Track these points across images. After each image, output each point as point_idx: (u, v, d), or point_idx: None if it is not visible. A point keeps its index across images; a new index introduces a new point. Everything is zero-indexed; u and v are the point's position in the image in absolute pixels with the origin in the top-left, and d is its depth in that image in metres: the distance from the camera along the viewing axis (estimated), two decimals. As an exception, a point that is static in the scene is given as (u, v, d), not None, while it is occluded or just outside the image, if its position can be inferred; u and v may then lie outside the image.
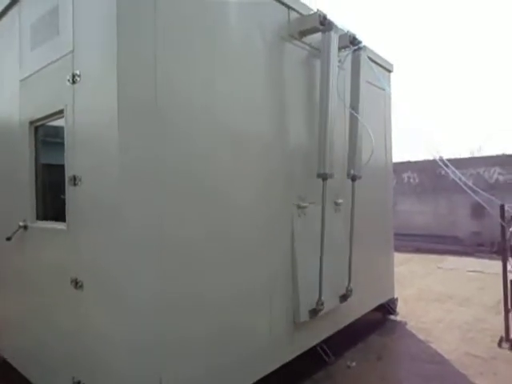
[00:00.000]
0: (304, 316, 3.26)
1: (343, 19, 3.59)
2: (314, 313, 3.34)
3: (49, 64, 2.65)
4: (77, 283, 2.38)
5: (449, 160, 4.54)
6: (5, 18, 3.27)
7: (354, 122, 3.74)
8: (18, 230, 2.99)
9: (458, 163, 9.94)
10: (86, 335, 2.36)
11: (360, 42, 3.73)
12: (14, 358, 3.21)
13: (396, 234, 5.46)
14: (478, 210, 9.63)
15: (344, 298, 3.77)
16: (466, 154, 13.10)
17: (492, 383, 3.34)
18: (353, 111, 3.69)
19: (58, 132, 3.00)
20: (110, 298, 2.22)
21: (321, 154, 3.30)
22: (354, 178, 3.73)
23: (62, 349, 2.57)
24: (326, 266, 3.33)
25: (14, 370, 3.19)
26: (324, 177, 3.30)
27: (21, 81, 3.00)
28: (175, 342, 2.34)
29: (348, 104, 3.76)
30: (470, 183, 4.68)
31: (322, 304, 3.34)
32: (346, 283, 3.77)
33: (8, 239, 3.01)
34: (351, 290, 3.78)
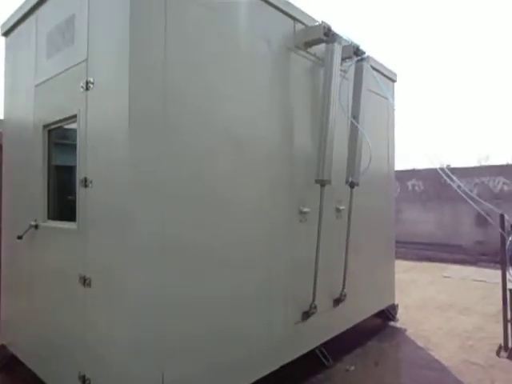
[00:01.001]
0: (296, 318, 3.38)
1: (348, 29, 3.69)
2: (306, 315, 3.45)
3: (63, 71, 2.77)
4: (85, 280, 2.48)
5: (454, 169, 4.62)
6: (22, 25, 3.41)
7: (354, 130, 3.84)
8: (29, 229, 3.11)
9: (463, 172, 9.97)
10: (92, 332, 2.46)
11: (363, 53, 3.83)
12: (21, 352, 3.32)
13: (400, 242, 5.52)
14: (482, 220, 9.61)
15: (337, 302, 3.87)
16: (473, 163, 13.11)
17: (489, 391, 3.38)
18: (353, 120, 3.78)
19: (69, 135, 3.14)
20: (115, 297, 2.32)
21: (320, 161, 3.40)
22: (352, 185, 3.83)
23: (68, 344, 2.67)
24: (321, 271, 3.42)
25: (21, 364, 3.30)
26: (322, 183, 3.40)
27: (36, 86, 3.14)
28: (177, 341, 2.43)
29: (350, 113, 3.85)
30: (475, 193, 4.73)
31: (315, 307, 3.46)
32: (341, 288, 3.85)
33: (19, 238, 3.13)
34: (345, 295, 3.87)
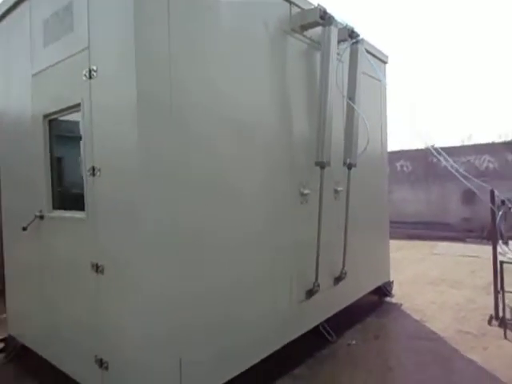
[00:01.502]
0: (300, 296, 3.49)
1: (341, 11, 3.72)
2: (310, 294, 3.56)
3: (63, 59, 2.75)
4: (97, 268, 2.53)
5: (441, 149, 4.74)
6: (14, 13, 3.34)
7: (350, 112, 3.91)
8: (34, 220, 3.11)
9: (450, 152, 10.10)
10: (108, 316, 2.51)
11: (358, 36, 3.87)
12: (32, 341, 3.36)
13: (390, 222, 5.67)
14: (468, 197, 9.92)
15: (338, 280, 3.99)
16: (456, 143, 13.37)
17: (482, 357, 3.57)
18: (350, 101, 3.85)
19: (70, 126, 3.14)
20: (127, 286, 2.37)
21: (319, 143, 3.46)
22: (349, 166, 3.92)
23: (82, 330, 2.72)
24: (322, 250, 3.52)
25: (32, 353, 3.34)
26: (322, 165, 3.47)
27: (33, 75, 3.10)
28: (190, 326, 2.50)
29: (346, 95, 3.92)
30: (462, 171, 4.88)
31: (318, 286, 3.57)
32: (341, 266, 3.98)
33: (24, 229, 3.13)
34: (345, 273, 4.00)
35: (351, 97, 3.89)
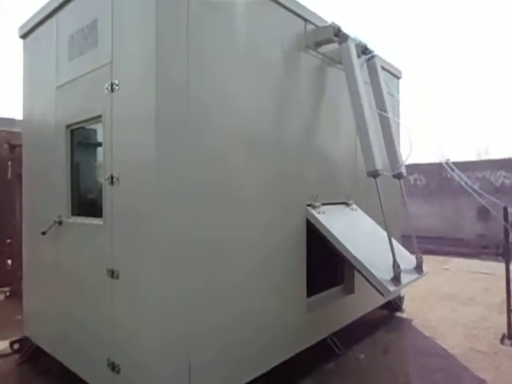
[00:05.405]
0: (390, 285, 3.11)
1: (351, 27, 3.81)
2: (396, 279, 3.18)
3: (87, 73, 2.88)
4: (113, 273, 2.61)
5: (455, 163, 4.73)
6: (41, 29, 3.51)
7: (385, 123, 3.90)
8: (53, 225, 3.23)
9: (465, 166, 10.10)
10: (121, 321, 2.59)
11: (372, 52, 3.94)
12: (46, 343, 3.45)
13: (402, 236, 5.64)
14: (483, 213, 9.77)
15: (419, 268, 3.75)
16: (472, 157, 13.26)
17: (494, 376, 3.52)
18: (381, 112, 3.87)
19: (86, 133, 3.28)
20: (141, 291, 2.44)
21: (367, 154, 3.40)
22: (399, 176, 3.83)
23: (96, 332, 2.80)
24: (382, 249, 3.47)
25: (46, 355, 3.44)
26: (375, 174, 3.39)
27: (57, 87, 3.25)
28: (200, 329, 2.55)
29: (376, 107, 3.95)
30: (476, 186, 4.85)
31: (399, 267, 3.21)
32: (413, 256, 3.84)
33: (43, 233, 3.26)
34: (421, 257, 3.84)
35: (382, 108, 3.89)
